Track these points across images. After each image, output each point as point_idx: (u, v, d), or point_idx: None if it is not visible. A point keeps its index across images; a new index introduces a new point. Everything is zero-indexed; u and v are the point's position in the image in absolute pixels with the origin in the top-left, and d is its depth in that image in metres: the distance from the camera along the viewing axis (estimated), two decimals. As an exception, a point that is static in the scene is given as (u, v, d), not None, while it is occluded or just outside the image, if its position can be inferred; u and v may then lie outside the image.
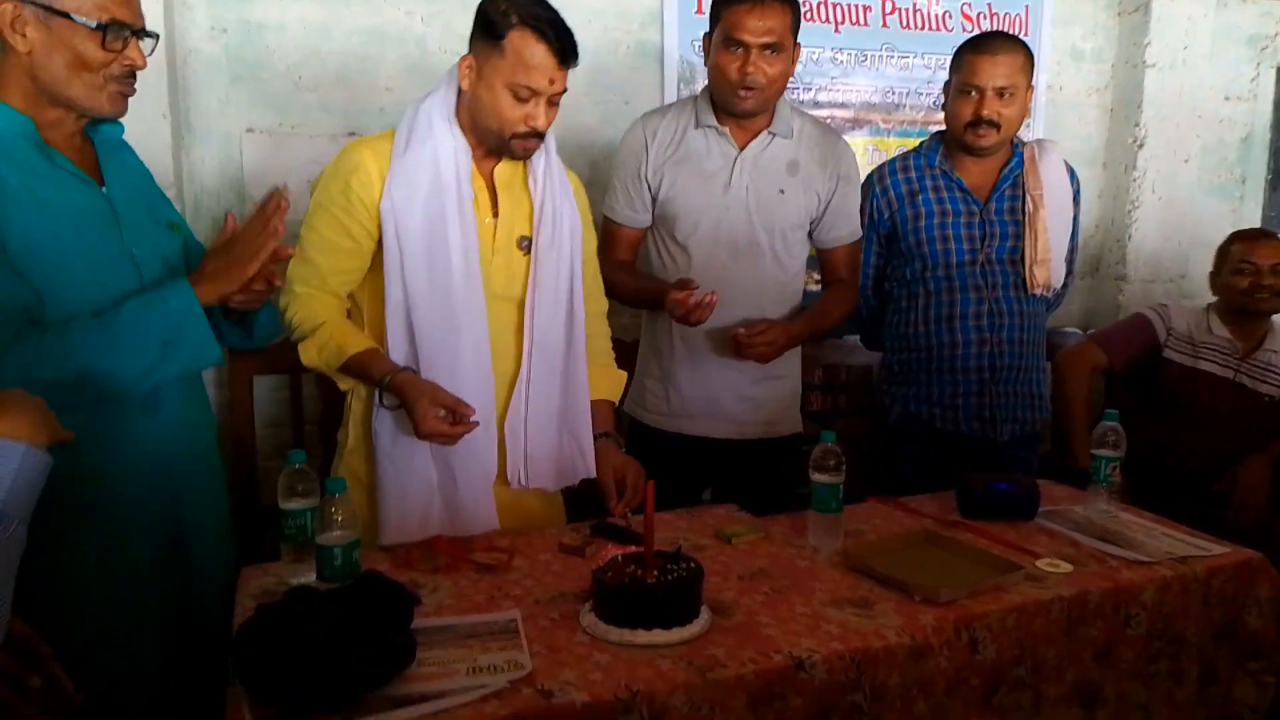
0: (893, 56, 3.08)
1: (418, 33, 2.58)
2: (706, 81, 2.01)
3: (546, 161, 1.69)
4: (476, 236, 1.60)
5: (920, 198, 2.17)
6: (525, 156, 1.63)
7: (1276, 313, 2.48)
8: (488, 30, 1.53)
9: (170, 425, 1.45)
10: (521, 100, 1.53)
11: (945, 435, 2.21)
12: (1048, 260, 2.14)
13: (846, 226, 2.09)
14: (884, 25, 3.05)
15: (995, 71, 2.02)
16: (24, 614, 1.14)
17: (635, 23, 2.79)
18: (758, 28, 1.83)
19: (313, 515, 1.44)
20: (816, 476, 1.65)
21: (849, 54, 3.03)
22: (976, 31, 3.09)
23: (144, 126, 2.22)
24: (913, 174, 2.20)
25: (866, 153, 3.12)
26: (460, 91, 1.59)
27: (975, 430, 2.19)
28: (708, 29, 1.95)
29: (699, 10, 2.82)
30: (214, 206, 2.47)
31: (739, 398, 2.06)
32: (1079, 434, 2.35)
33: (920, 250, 2.17)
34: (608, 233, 2.04)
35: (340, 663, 1.12)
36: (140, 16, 1.37)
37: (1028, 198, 2.14)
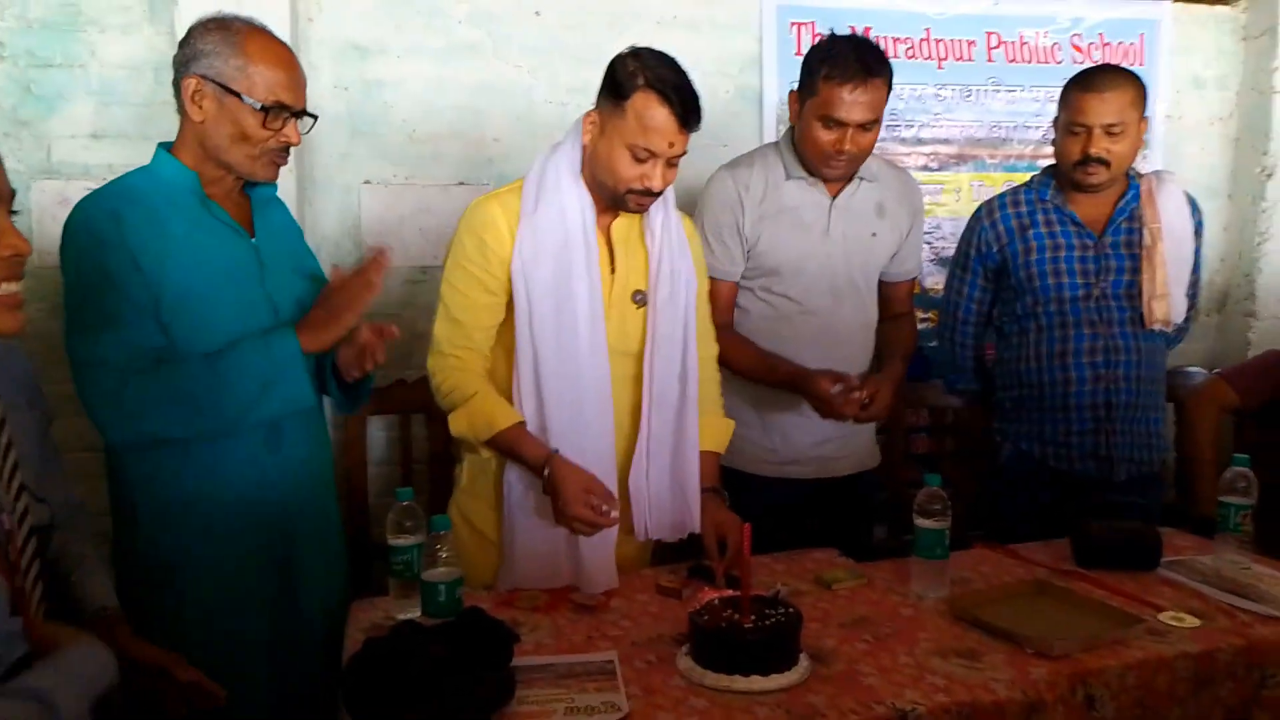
0: (999, 90, 3.02)
1: (525, 85, 2.68)
2: (787, 128, 2.04)
3: (665, 215, 1.71)
4: (601, 293, 1.64)
5: (1031, 232, 2.13)
6: (639, 211, 1.66)
7: None
8: (614, 89, 1.56)
9: (291, 461, 1.55)
10: (639, 161, 1.56)
11: (1058, 474, 2.14)
12: (1166, 295, 2.06)
13: (915, 259, 2.16)
14: (989, 59, 3.00)
15: (1104, 109, 1.98)
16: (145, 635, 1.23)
17: (735, 67, 2.83)
18: (858, 106, 1.83)
19: (419, 551, 1.49)
20: (921, 521, 1.61)
21: (953, 89, 2.99)
22: (1087, 63, 3.01)
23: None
24: (1023, 208, 2.16)
25: (971, 189, 3.05)
26: (583, 146, 1.63)
27: (1090, 469, 2.12)
28: (796, 85, 1.96)
29: (798, 52, 2.84)
30: (334, 254, 2.60)
31: (839, 437, 2.05)
32: (1206, 478, 2.22)
33: (1032, 285, 2.13)
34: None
35: (443, 696, 1.15)
36: (303, 99, 1.52)
37: (1145, 231, 2.08)
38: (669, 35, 2.76)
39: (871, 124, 1.87)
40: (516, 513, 1.65)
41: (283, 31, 2.32)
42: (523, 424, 1.61)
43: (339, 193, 2.60)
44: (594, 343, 1.62)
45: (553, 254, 1.59)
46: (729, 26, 2.81)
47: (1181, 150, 3.20)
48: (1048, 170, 2.20)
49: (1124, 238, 2.10)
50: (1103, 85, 2.00)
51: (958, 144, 3.02)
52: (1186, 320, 2.21)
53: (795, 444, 2.04)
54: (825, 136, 1.87)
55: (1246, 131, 3.21)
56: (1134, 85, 2.02)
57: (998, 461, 2.26)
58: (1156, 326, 2.09)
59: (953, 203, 3.04)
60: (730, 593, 1.40)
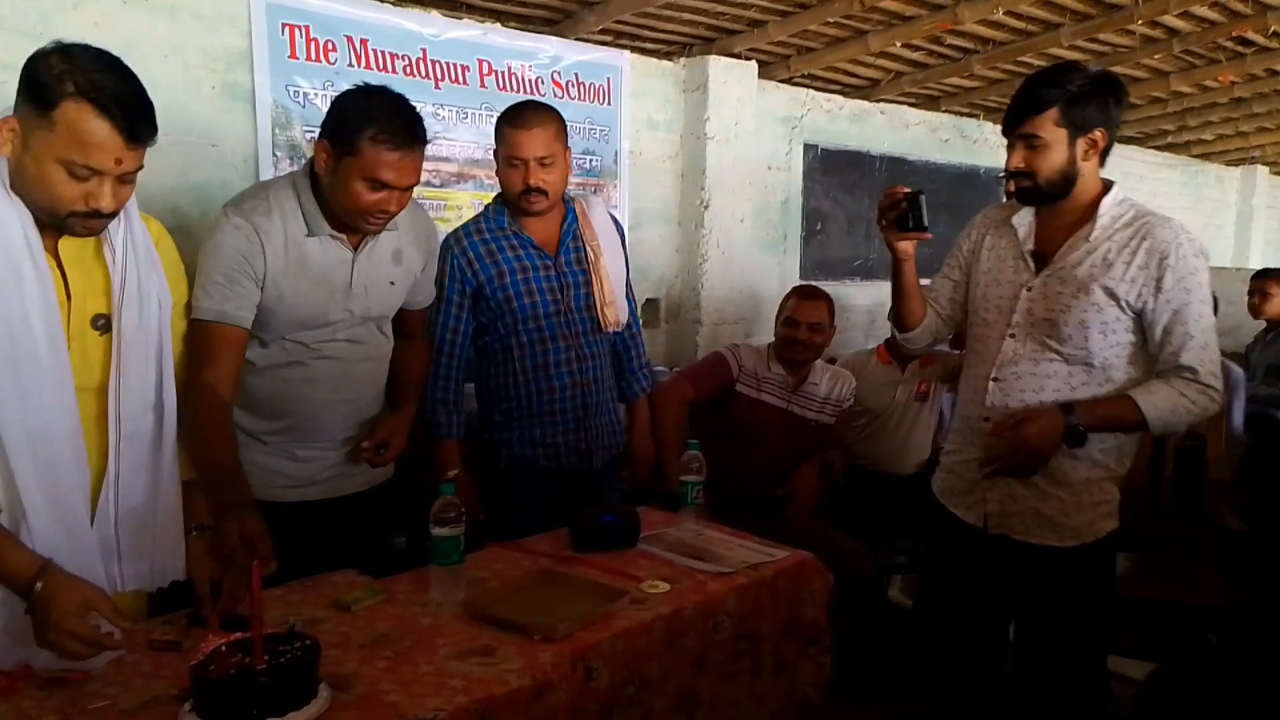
0: (492, 115, 3.21)
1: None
2: (303, 169, 1.88)
3: (127, 226, 1.49)
4: (61, 324, 1.39)
5: (500, 256, 2.27)
6: (90, 235, 1.43)
7: (811, 360, 2.97)
8: (36, 94, 1.31)
9: None
10: (80, 179, 1.34)
11: (550, 472, 2.36)
12: (614, 301, 2.37)
13: (428, 289, 2.17)
14: (482, 85, 3.19)
15: (534, 143, 2.16)
16: None
17: (221, 62, 2.63)
18: (408, 171, 1.76)
19: None
20: (437, 530, 1.66)
21: (450, 109, 3.12)
22: (565, 97, 3.37)
23: None
24: (487, 235, 2.29)
25: (473, 206, 3.22)
26: (6, 158, 1.35)
27: (574, 463, 2.36)
28: (324, 134, 1.78)
29: (292, 55, 2.73)
30: None
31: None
32: (673, 462, 2.61)
33: (510, 305, 2.27)
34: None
35: None
36: None
37: (588, 248, 2.36)
38: (138, 16, 2.48)
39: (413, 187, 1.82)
40: None
41: None
42: None
43: None
44: (60, 380, 1.39)
45: None
46: (213, 18, 2.61)
47: (643, 182, 3.73)
48: (499, 198, 2.34)
49: (574, 255, 2.34)
50: (530, 122, 2.18)
51: (458, 163, 3.16)
52: (633, 319, 2.51)
53: (307, 466, 1.97)
54: (369, 197, 1.75)
55: (689, 169, 3.85)
56: (556, 120, 2.23)
57: (498, 467, 2.40)
58: (610, 330, 2.39)
59: (455, 219, 3.17)
60: (237, 635, 1.31)
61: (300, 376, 1.92)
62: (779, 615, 1.88)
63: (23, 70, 1.33)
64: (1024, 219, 1.96)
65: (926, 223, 1.97)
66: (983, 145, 5.23)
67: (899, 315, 2.12)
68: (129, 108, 1.33)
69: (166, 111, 1.42)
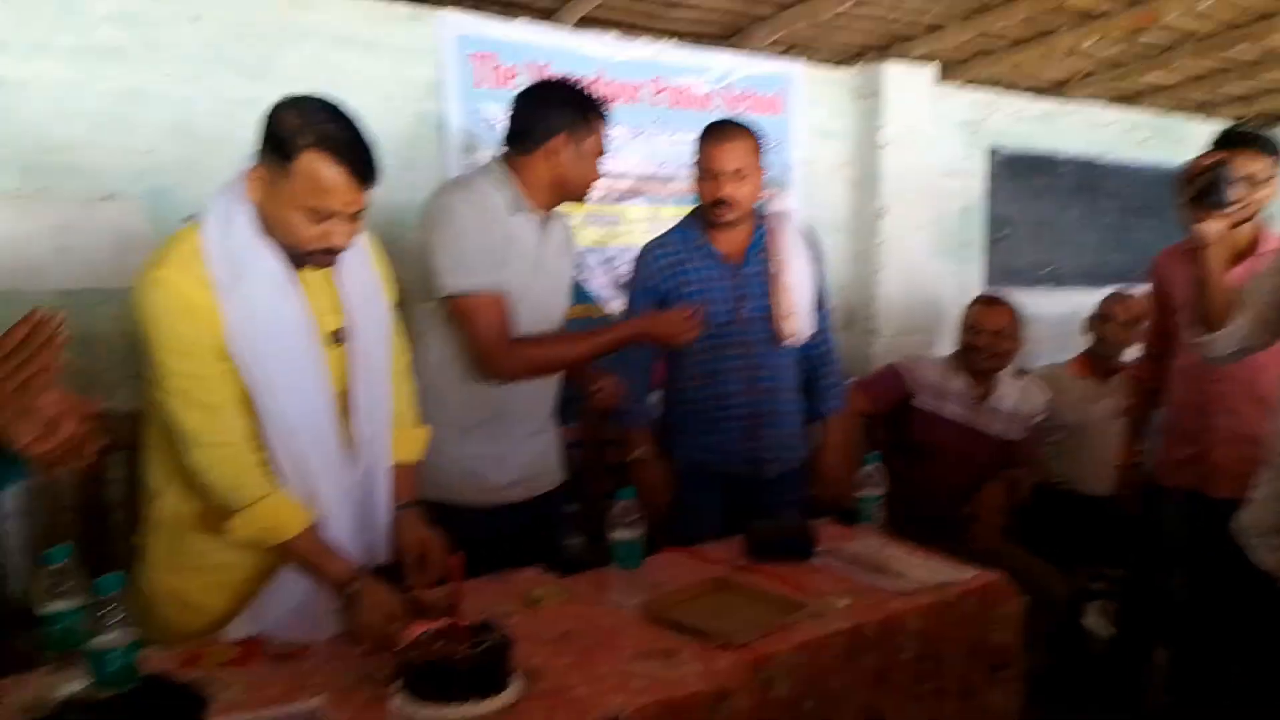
0: (664, 132, 3.29)
1: (181, 94, 2.45)
2: (498, 158, 2.06)
3: (355, 250, 1.63)
4: (318, 339, 1.56)
5: (683, 267, 2.36)
6: (325, 267, 1.57)
7: (996, 370, 2.84)
8: (276, 148, 1.45)
9: None
10: (317, 221, 1.48)
11: (721, 476, 2.39)
12: (794, 314, 2.36)
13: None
14: (655, 103, 3.26)
15: (727, 158, 2.24)
16: None
17: (415, 92, 2.81)
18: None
19: (80, 617, 1.32)
20: (617, 533, 1.71)
21: (624, 128, 3.20)
22: (737, 110, 3.38)
23: None
24: (675, 246, 2.38)
25: (644, 221, 3.29)
26: (255, 204, 1.51)
27: (745, 472, 2.39)
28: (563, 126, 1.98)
29: (479, 83, 2.89)
30: (-58, 279, 2.21)
31: (541, 457, 2.16)
32: (848, 476, 2.56)
33: None
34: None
35: (123, 779, 1.03)
36: None
37: (772, 261, 2.37)
38: (344, 54, 2.68)
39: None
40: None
41: None
42: (313, 529, 1.50)
43: (-52, 206, 2.21)
44: (321, 384, 1.57)
45: (269, 330, 1.49)
46: (408, 50, 2.79)
47: (814, 191, 3.69)
48: (693, 212, 2.44)
49: (758, 268, 2.38)
50: (726, 137, 2.26)
51: (632, 179, 3.24)
52: (824, 335, 2.50)
53: (504, 466, 2.06)
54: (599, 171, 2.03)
55: (863, 177, 3.77)
56: (752, 136, 2.30)
57: (675, 470, 2.45)
58: (789, 342, 2.39)
59: (628, 233, 3.25)
60: (439, 623, 1.39)
61: None
62: (966, 638, 1.81)
63: (263, 125, 1.48)
64: None
65: (1229, 198, 1.82)
66: (1188, 144, 4.83)
67: (1203, 311, 1.91)
68: (358, 154, 1.47)
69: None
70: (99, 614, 1.27)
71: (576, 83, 2.03)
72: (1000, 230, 4.32)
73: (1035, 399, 2.89)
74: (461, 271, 1.89)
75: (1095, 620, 3.03)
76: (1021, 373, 3.02)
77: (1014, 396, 2.85)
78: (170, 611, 1.57)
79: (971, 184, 4.19)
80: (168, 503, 1.58)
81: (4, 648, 1.89)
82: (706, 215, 2.32)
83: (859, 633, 1.63)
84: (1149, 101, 4.57)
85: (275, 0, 2.57)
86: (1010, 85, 4.20)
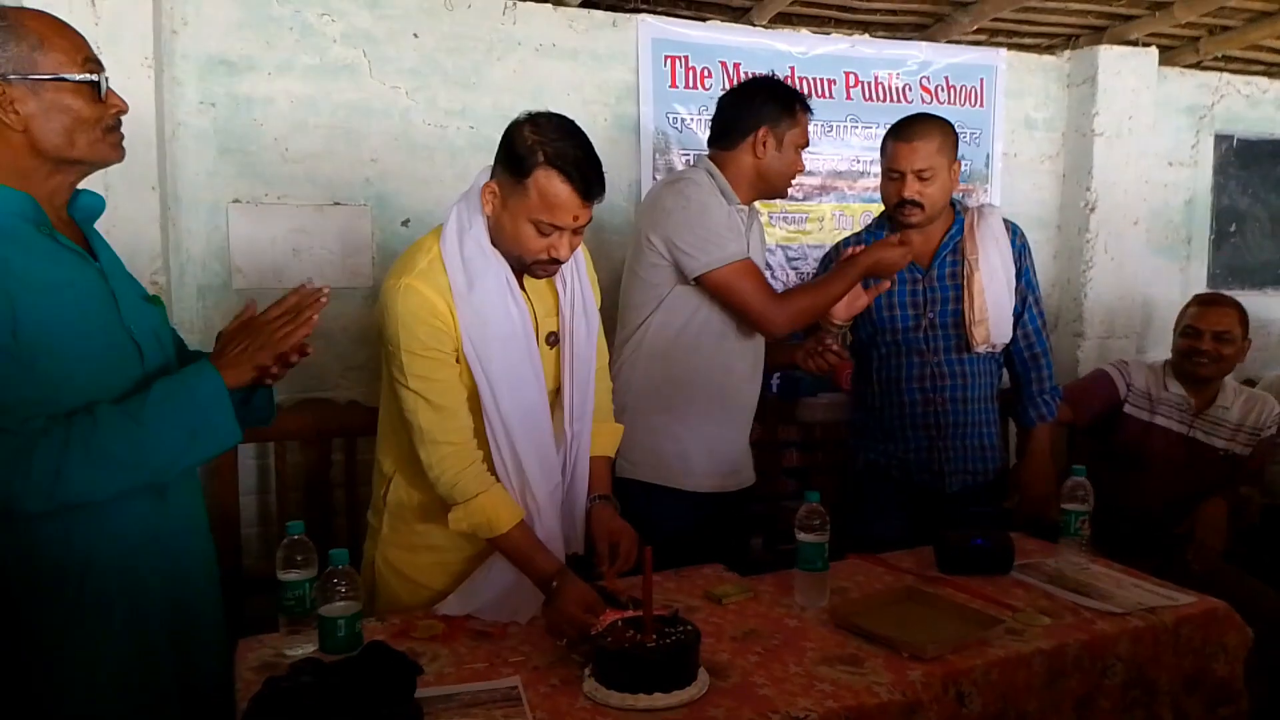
0: (857, 126, 3.22)
1: (402, 106, 2.66)
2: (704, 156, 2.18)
3: (575, 261, 1.71)
4: (540, 357, 1.66)
5: None
6: (547, 277, 1.67)
7: (1216, 377, 2.60)
8: (513, 163, 1.54)
9: (177, 508, 1.43)
10: (545, 235, 1.56)
11: (901, 484, 2.34)
12: (985, 320, 2.24)
13: None
14: (848, 98, 3.20)
15: (914, 157, 2.16)
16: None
17: (612, 96, 2.90)
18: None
19: (311, 586, 1.46)
20: (802, 536, 1.70)
21: (815, 124, 3.14)
22: (934, 103, 3.27)
23: (133, 198, 2.27)
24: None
25: (834, 218, 3.24)
26: (486, 216, 1.61)
27: (925, 481, 2.31)
28: (764, 122, 2.07)
29: (673, 84, 2.94)
30: (199, 275, 2.50)
31: (740, 451, 2.22)
32: (1050, 489, 2.43)
33: (869, 317, 2.31)
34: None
35: (352, 733, 1.14)
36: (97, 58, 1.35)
37: (965, 262, 2.26)
38: (548, 62, 2.81)
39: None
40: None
41: (146, 43, 2.25)
42: (523, 525, 1.60)
43: (205, 212, 2.50)
44: (539, 382, 1.66)
45: (497, 333, 1.59)
46: (607, 56, 2.88)
47: (1016, 185, 3.50)
48: (882, 214, 2.38)
49: (949, 270, 2.28)
50: (912, 135, 2.18)
51: (821, 176, 3.20)
52: (1034, 338, 2.37)
53: (721, 453, 2.13)
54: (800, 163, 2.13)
55: (1072, 169, 3.54)
56: (941, 132, 2.19)
57: (856, 469, 2.43)
58: (982, 349, 2.27)
59: (816, 231, 3.21)
60: (631, 613, 1.44)
61: (731, 346, 2.11)
62: (1182, 668, 1.68)
63: (501, 141, 1.58)
64: None
65: None
66: None
67: None
68: (587, 171, 1.54)
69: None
70: (329, 584, 1.41)
71: (777, 79, 2.17)
72: (1228, 225, 3.93)
73: (1265, 410, 2.61)
74: (714, 246, 2.00)
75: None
76: (1250, 383, 2.75)
77: (1239, 407, 2.60)
78: (393, 585, 1.72)
79: (1197, 175, 3.83)
80: (397, 485, 1.72)
81: (240, 612, 2.12)
82: (894, 216, 2.27)
83: (1061, 653, 1.55)
84: None
85: (486, 14, 2.72)
86: (1247, 65, 3.80)
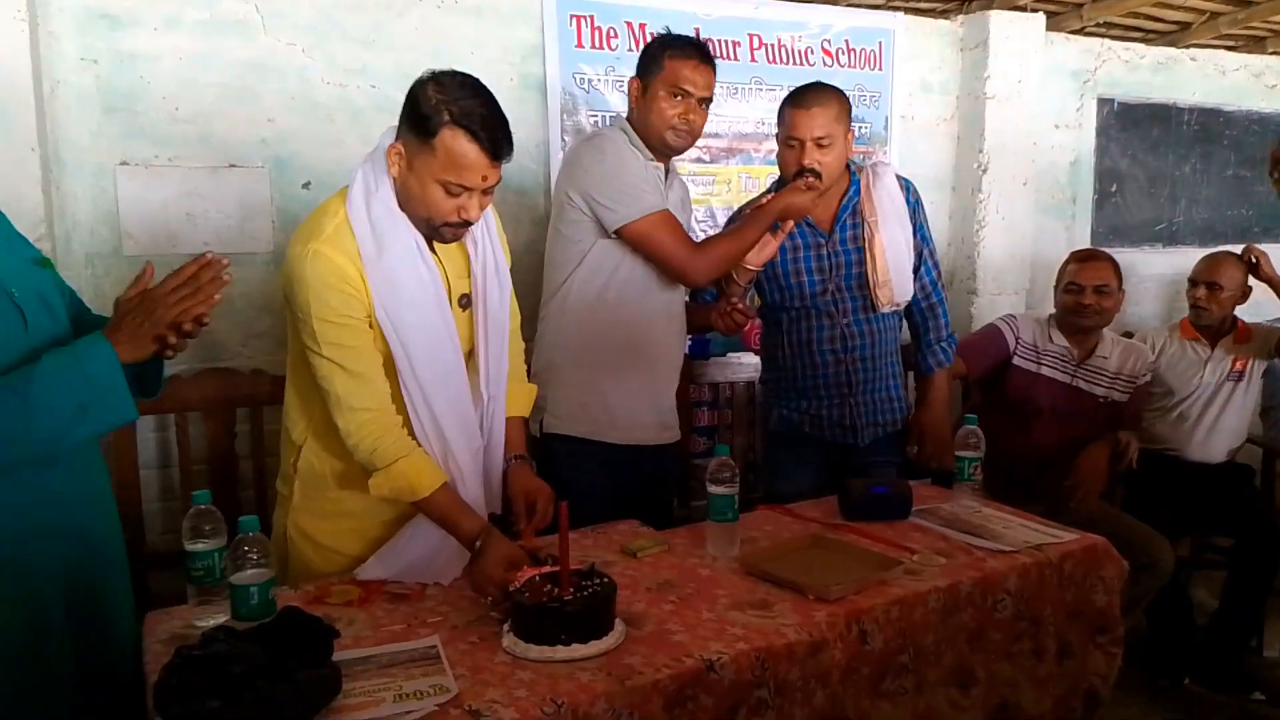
0: (761, 89, 3.26)
1: (299, 64, 2.56)
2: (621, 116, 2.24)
3: (485, 222, 1.70)
4: (453, 317, 1.65)
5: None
6: (455, 240, 1.64)
7: (1098, 327, 2.76)
8: (418, 124, 1.51)
9: (70, 475, 1.39)
10: (453, 195, 1.53)
11: (814, 440, 2.41)
12: (889, 281, 2.31)
13: None
14: (752, 60, 3.23)
15: (812, 124, 2.18)
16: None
17: (517, 55, 2.86)
18: (699, 81, 2.12)
19: (220, 555, 1.44)
20: (713, 488, 1.76)
21: (721, 86, 3.17)
22: (835, 66, 3.33)
23: (10, 160, 2.15)
24: None
25: (740, 180, 3.28)
26: (392, 179, 1.57)
27: (839, 437, 2.39)
28: (636, 73, 2.13)
29: (579, 44, 2.92)
30: (87, 242, 2.38)
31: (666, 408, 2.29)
32: (946, 437, 2.54)
33: (777, 283, 2.37)
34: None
35: (268, 698, 1.14)
36: None
37: (865, 224, 2.32)
38: (450, 19, 2.75)
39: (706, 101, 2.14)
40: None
41: (18, -5, 2.12)
42: (446, 487, 1.59)
43: (91, 175, 2.37)
44: (454, 344, 1.65)
45: (409, 297, 1.57)
46: (511, 15, 2.83)
47: (914, 147, 3.60)
48: (778, 181, 2.40)
49: (849, 233, 2.34)
50: (810, 102, 2.20)
51: (727, 139, 3.23)
52: (930, 289, 2.44)
53: (645, 409, 2.20)
54: (671, 109, 2.08)
55: (966, 131, 3.66)
56: (838, 101, 2.23)
57: (768, 427, 2.49)
58: (887, 309, 2.35)
59: (724, 193, 3.26)
60: (548, 569, 1.47)
61: (654, 301, 2.16)
62: (1065, 600, 1.80)
63: (405, 101, 1.55)
64: None
65: None
66: (1323, 89, 4.52)
67: None
68: (494, 130, 1.51)
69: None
70: (239, 552, 1.39)
71: (668, 31, 2.18)
72: (1110, 185, 4.14)
73: (1140, 360, 2.80)
74: (632, 199, 2.03)
75: (1201, 590, 2.96)
76: (1127, 335, 2.93)
77: (1117, 357, 2.77)
78: (306, 553, 1.70)
79: (1081, 137, 4.02)
80: (309, 453, 1.70)
81: (145, 589, 2.07)
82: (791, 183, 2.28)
83: (955, 590, 1.64)
84: (1278, 46, 4.28)
85: (385, -32, 2.64)
86: (1126, 31, 3.99)
